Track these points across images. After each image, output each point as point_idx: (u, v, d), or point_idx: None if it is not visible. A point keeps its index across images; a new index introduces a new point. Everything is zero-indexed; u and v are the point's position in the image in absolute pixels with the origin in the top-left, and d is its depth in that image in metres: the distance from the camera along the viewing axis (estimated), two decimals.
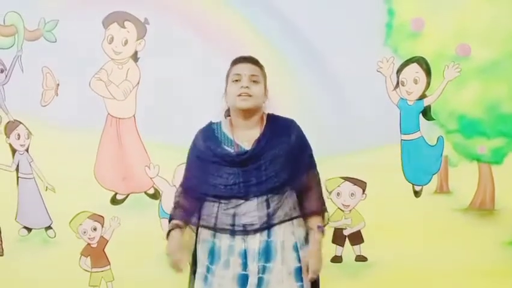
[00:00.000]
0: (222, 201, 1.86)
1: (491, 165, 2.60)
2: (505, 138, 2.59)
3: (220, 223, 1.85)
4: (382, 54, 2.56)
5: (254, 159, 1.85)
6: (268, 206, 1.84)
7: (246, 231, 1.83)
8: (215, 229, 1.86)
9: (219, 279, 1.84)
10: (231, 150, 1.87)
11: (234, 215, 1.84)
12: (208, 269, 1.87)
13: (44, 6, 2.58)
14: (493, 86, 2.58)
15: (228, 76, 1.91)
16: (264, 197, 1.84)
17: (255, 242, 1.82)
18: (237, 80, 1.85)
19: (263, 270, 1.82)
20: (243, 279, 1.82)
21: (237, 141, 1.87)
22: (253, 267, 1.82)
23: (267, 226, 1.84)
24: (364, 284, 2.61)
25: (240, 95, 1.83)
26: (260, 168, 1.84)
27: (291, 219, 1.87)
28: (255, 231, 1.83)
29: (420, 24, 2.56)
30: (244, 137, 1.88)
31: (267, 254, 1.83)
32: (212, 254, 1.87)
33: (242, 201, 1.84)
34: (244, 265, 1.83)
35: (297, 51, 2.57)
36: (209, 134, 1.92)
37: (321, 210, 1.93)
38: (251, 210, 1.83)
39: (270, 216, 1.83)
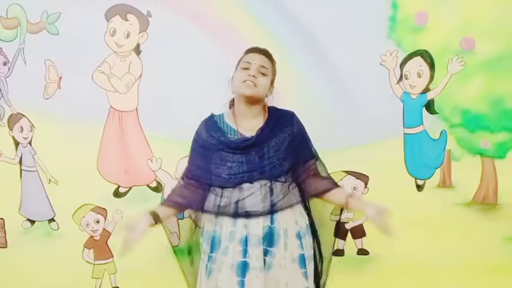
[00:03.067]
0: (226, 189, 1.88)
1: (494, 159, 2.59)
2: (509, 132, 2.58)
3: (223, 209, 1.88)
4: (386, 47, 2.54)
5: (258, 146, 1.88)
6: (271, 194, 1.86)
7: (248, 215, 1.86)
8: (217, 213, 1.89)
9: (218, 265, 1.87)
10: (236, 137, 1.90)
11: (237, 202, 1.86)
12: (209, 258, 1.91)
13: None
14: (497, 81, 2.56)
15: (238, 64, 1.93)
16: (268, 185, 1.86)
17: (258, 228, 1.85)
18: (245, 68, 1.88)
19: (265, 253, 1.86)
20: (243, 267, 1.84)
21: (240, 130, 1.90)
22: (256, 251, 1.85)
23: (270, 212, 1.87)
24: (366, 277, 2.61)
25: (245, 81, 1.85)
26: (263, 157, 1.88)
27: (292, 205, 1.90)
28: (258, 215, 1.86)
29: (424, 18, 2.54)
30: (247, 126, 1.91)
31: (269, 239, 1.87)
32: (213, 243, 1.90)
33: (246, 189, 1.86)
34: (245, 252, 1.85)
35: (301, 45, 2.55)
36: (212, 124, 1.96)
37: (337, 185, 2.00)
38: (255, 199, 1.86)
39: (273, 204, 1.86)
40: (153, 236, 2.58)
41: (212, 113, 2.00)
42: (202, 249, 1.97)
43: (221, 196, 1.89)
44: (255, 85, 1.86)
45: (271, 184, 1.87)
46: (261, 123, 1.92)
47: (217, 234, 1.90)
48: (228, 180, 1.87)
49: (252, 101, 1.89)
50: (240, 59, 1.95)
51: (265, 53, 1.94)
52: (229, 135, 1.91)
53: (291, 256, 1.89)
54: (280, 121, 1.93)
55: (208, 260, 1.91)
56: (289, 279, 1.88)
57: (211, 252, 1.90)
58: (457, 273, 2.59)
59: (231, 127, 1.92)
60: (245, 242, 1.86)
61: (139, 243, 2.58)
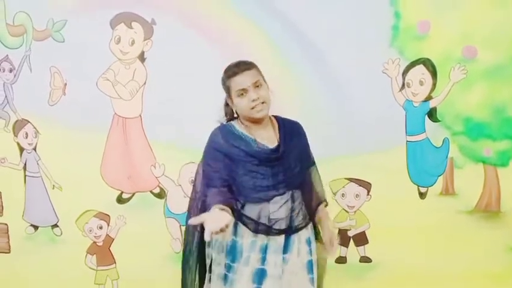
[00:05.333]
0: (248, 203, 1.88)
1: (496, 167, 2.59)
2: (511, 140, 2.59)
3: (245, 219, 1.87)
4: (388, 56, 2.56)
5: (284, 156, 1.88)
6: (293, 201, 1.89)
7: (269, 231, 1.86)
8: (238, 221, 1.87)
9: (238, 276, 1.87)
10: (260, 148, 1.88)
11: (259, 212, 1.87)
12: (229, 268, 1.89)
13: (53, 7, 2.59)
14: (499, 89, 2.57)
15: (228, 88, 1.89)
16: (290, 193, 1.89)
17: (280, 236, 1.87)
18: (242, 94, 1.85)
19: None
20: (260, 274, 1.86)
21: (258, 140, 1.89)
22: (276, 259, 1.86)
23: (290, 231, 1.88)
24: (368, 285, 2.61)
25: (253, 108, 1.84)
26: (288, 168, 1.88)
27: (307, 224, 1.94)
28: (279, 232, 1.87)
29: (426, 26, 2.56)
30: (262, 135, 1.92)
31: (285, 246, 1.88)
32: (233, 253, 1.89)
33: (272, 202, 1.87)
34: (263, 259, 1.86)
35: (303, 53, 2.56)
36: (228, 133, 1.91)
37: (324, 199, 2.06)
38: (277, 207, 1.87)
39: (292, 219, 1.88)
40: (155, 242, 2.61)
41: (221, 123, 1.98)
42: (212, 259, 1.94)
43: (242, 207, 1.88)
44: (263, 102, 1.85)
45: (293, 194, 1.89)
46: (271, 132, 1.92)
47: (238, 244, 1.88)
48: (253, 190, 1.85)
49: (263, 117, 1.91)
50: (227, 83, 1.88)
51: (246, 67, 1.88)
52: (252, 145, 1.88)
53: (301, 262, 1.91)
54: (293, 131, 1.95)
55: (229, 271, 1.88)
56: (299, 285, 1.89)
57: (232, 262, 1.88)
58: (460, 281, 2.58)
59: (248, 136, 1.90)
60: (264, 250, 1.86)
61: (142, 249, 2.60)
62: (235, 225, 1.88)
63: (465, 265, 2.58)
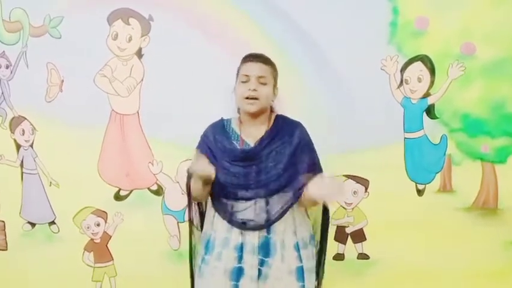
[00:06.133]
0: (222, 198, 1.88)
1: (494, 164, 2.60)
2: (509, 137, 2.59)
3: (220, 207, 1.88)
4: (386, 52, 2.56)
5: (256, 158, 1.86)
6: (267, 204, 1.85)
7: (244, 226, 1.85)
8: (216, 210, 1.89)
9: (211, 269, 1.87)
10: (236, 145, 1.89)
11: (231, 210, 1.86)
12: (202, 260, 1.91)
13: (50, 3, 2.59)
14: (497, 85, 2.57)
15: (238, 73, 1.92)
16: (264, 200, 1.85)
17: (254, 237, 1.84)
18: (245, 81, 1.86)
19: (261, 263, 1.85)
20: (238, 273, 1.84)
21: (243, 136, 1.90)
22: (252, 259, 1.84)
23: (266, 225, 1.85)
24: (366, 282, 2.61)
25: (247, 98, 1.84)
26: (261, 172, 1.85)
27: (289, 216, 1.87)
28: (253, 228, 1.84)
29: (424, 22, 2.55)
30: (250, 133, 1.90)
31: (265, 249, 1.85)
32: (207, 245, 1.90)
33: (241, 202, 1.86)
34: (240, 258, 1.84)
35: (302, 50, 2.56)
36: (219, 128, 1.94)
37: None
38: (249, 213, 1.85)
39: (269, 213, 1.84)
40: (153, 239, 2.61)
41: (222, 118, 1.99)
42: (197, 251, 1.98)
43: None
44: (257, 98, 1.85)
45: (267, 198, 1.85)
46: (263, 131, 1.90)
47: (212, 237, 1.89)
48: (223, 185, 1.86)
49: (257, 113, 1.90)
50: (239, 68, 1.93)
51: (262, 60, 1.90)
52: (233, 141, 1.91)
53: (288, 268, 1.86)
54: (283, 131, 1.91)
55: (201, 262, 1.91)
56: None
57: (205, 254, 1.90)
58: (457, 278, 2.59)
59: (235, 132, 1.92)
60: (240, 248, 1.85)
61: (139, 246, 2.60)
62: (213, 218, 1.90)
63: (463, 262, 2.58)
